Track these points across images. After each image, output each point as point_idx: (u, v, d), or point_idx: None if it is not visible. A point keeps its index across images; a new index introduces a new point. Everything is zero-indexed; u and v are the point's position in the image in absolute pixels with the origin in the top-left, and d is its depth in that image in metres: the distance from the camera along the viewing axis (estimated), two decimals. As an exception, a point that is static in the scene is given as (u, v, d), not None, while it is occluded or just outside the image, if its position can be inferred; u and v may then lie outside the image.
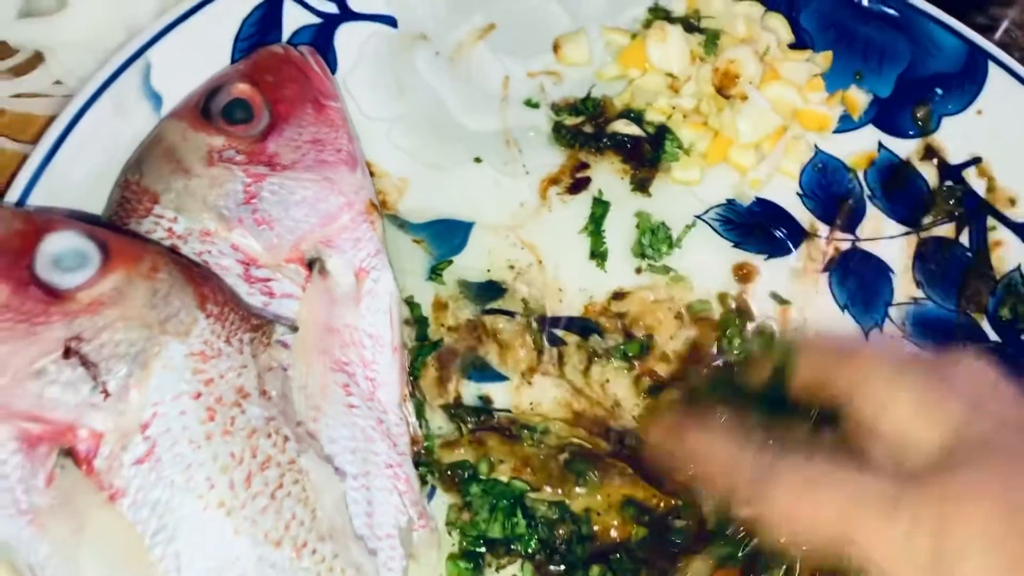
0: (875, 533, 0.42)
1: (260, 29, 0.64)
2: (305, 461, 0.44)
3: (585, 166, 0.67)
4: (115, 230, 0.51)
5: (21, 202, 0.54)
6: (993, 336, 0.64)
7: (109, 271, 0.45)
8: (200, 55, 0.61)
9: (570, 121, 0.68)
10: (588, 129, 0.68)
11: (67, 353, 0.43)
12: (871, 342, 0.62)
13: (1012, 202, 0.67)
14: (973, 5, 0.85)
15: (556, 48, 0.70)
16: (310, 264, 0.54)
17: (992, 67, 0.69)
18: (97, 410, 0.42)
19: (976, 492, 0.41)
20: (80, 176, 0.56)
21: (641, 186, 0.66)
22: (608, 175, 0.66)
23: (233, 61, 0.62)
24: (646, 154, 0.67)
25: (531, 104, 0.68)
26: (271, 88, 0.58)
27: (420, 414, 0.56)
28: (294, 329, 0.49)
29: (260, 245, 0.53)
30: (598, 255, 0.63)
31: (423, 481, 0.54)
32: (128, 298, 0.44)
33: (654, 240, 0.64)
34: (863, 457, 0.46)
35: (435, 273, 0.61)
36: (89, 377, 0.42)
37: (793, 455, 0.47)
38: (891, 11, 0.70)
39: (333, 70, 0.65)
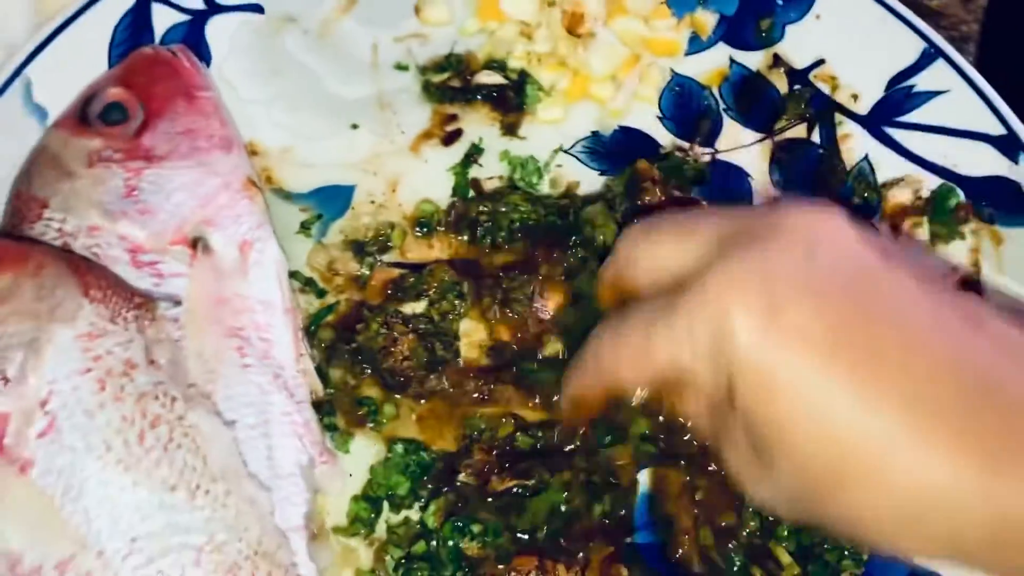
0: (668, 347, 0.44)
1: (132, 33, 0.68)
2: (193, 416, 0.50)
3: (454, 118, 0.71)
4: (9, 238, 0.56)
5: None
6: (846, 223, 0.69)
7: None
8: (78, 65, 0.66)
9: (438, 78, 0.72)
10: (456, 83, 0.72)
11: (-31, 349, 0.48)
12: None
13: (855, 97, 0.72)
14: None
15: (418, 11, 0.74)
16: (194, 243, 0.59)
17: (825, -28, 0.73)
18: (0, 395, 0.48)
19: (735, 271, 0.43)
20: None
21: (510, 130, 0.71)
22: (479, 125, 0.71)
23: (111, 67, 0.67)
24: (511, 100, 0.72)
25: (401, 67, 0.73)
26: (143, 87, 0.63)
27: (321, 372, 0.61)
28: (177, 303, 0.54)
29: (144, 233, 0.58)
30: (474, 195, 0.69)
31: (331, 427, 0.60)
32: (17, 295, 0.50)
33: (524, 173, 0.69)
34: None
35: (304, 227, 0.66)
36: (-10, 367, 0.48)
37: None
38: (725, -69, 0.74)
39: (208, 62, 0.70)
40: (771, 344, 0.41)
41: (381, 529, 0.58)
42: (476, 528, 0.54)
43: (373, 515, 0.57)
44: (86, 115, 0.61)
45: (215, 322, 0.57)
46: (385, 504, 0.58)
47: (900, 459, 0.40)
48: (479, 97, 0.72)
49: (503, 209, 0.66)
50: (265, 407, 0.56)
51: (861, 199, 0.70)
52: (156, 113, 0.62)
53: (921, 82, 0.70)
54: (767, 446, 0.43)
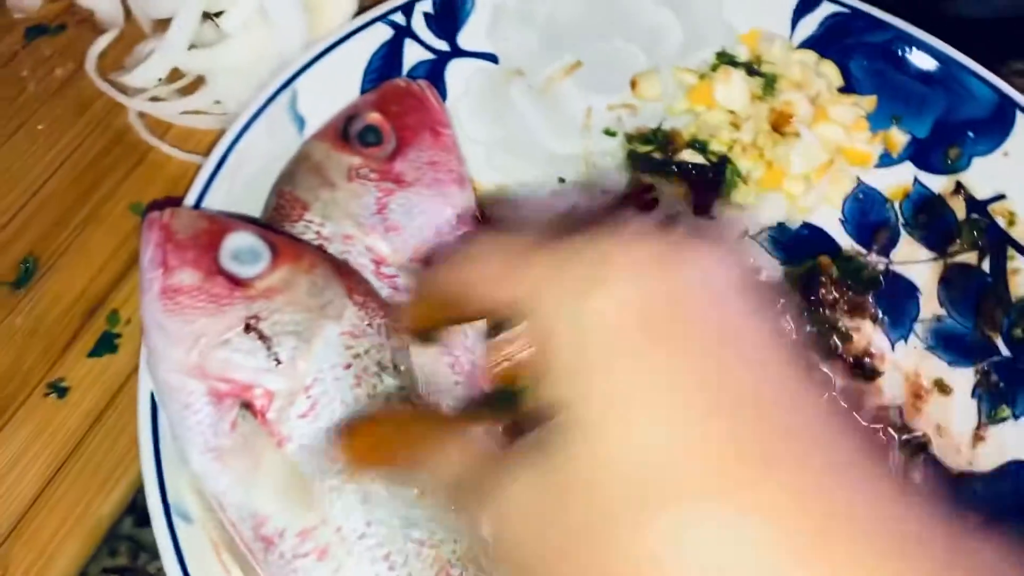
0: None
1: (385, 63, 0.76)
2: (426, 422, 0.56)
3: (651, 188, 0.77)
4: (276, 232, 0.63)
5: (196, 205, 0.66)
6: (1005, 352, 0.74)
7: (277, 266, 0.57)
8: (336, 84, 0.73)
9: (642, 149, 0.79)
10: (658, 156, 0.79)
11: (247, 328, 0.55)
12: None
13: (1030, 235, 0.76)
14: (1015, 52, 0.94)
15: (633, 85, 0.80)
16: (426, 263, 0.65)
17: (1019, 115, 0.78)
18: (271, 374, 0.54)
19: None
20: (239, 186, 0.68)
21: (702, 209, 0.77)
22: (673, 199, 0.77)
23: (363, 90, 0.74)
24: (708, 181, 0.78)
25: (609, 133, 0.79)
26: (396, 116, 0.70)
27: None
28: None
29: (388, 247, 0.64)
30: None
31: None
32: (293, 288, 0.56)
33: (710, 253, 0.75)
34: None
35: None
36: (264, 348, 0.54)
37: None
38: (932, 63, 0.79)
39: (444, 99, 0.77)
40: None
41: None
42: None
43: None
44: (347, 133, 0.68)
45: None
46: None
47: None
48: (678, 172, 0.78)
49: None
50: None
51: (1023, 332, 0.74)
52: (406, 142, 0.69)
53: (1097, 235, 0.74)
54: (561, 440, 0.39)
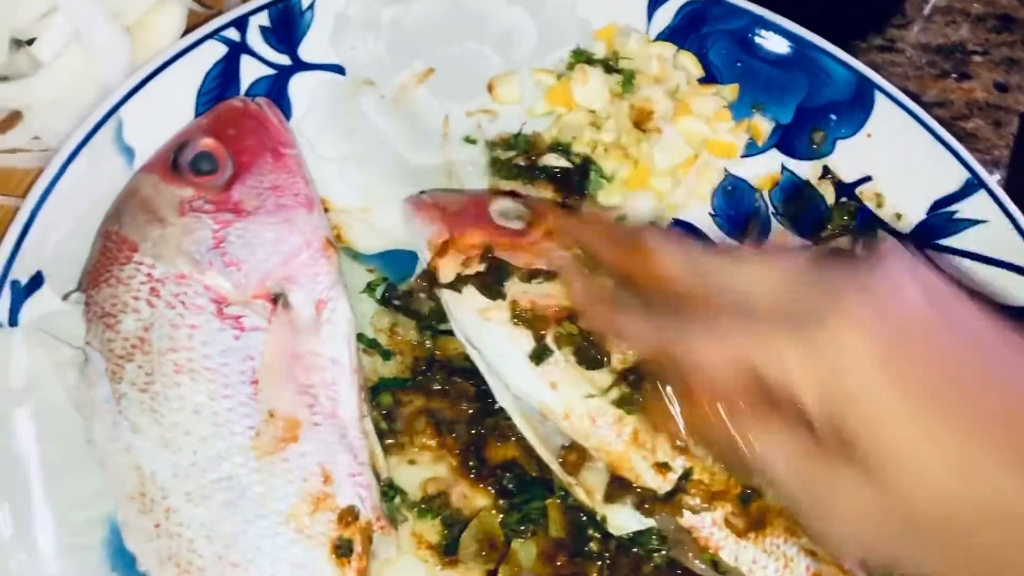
0: (775, 368, 0.47)
1: (221, 83, 0.70)
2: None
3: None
4: (97, 275, 0.58)
5: (14, 252, 0.60)
6: (882, 336, 0.73)
7: (534, 226, 0.65)
8: (167, 109, 0.68)
9: (504, 155, 0.75)
10: (521, 162, 0.75)
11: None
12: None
13: (898, 216, 0.76)
14: (872, 27, 0.94)
15: (491, 89, 0.77)
16: (275, 299, 0.61)
17: (878, 95, 0.77)
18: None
19: (854, 312, 0.47)
20: (64, 224, 0.63)
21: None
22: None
23: (197, 113, 0.69)
24: (573, 183, 0.75)
25: (469, 140, 0.76)
26: (233, 140, 0.65)
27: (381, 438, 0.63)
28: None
29: (230, 284, 0.60)
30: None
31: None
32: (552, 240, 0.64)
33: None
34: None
35: (370, 288, 0.68)
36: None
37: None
38: (788, 47, 0.78)
39: (288, 116, 0.72)
40: (889, 379, 0.45)
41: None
42: None
43: None
44: (178, 163, 0.63)
45: (289, 378, 0.59)
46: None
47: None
48: (543, 177, 0.75)
49: None
50: (334, 467, 0.58)
51: (898, 314, 0.73)
52: (245, 167, 0.64)
53: (963, 209, 0.74)
54: (877, 471, 0.45)
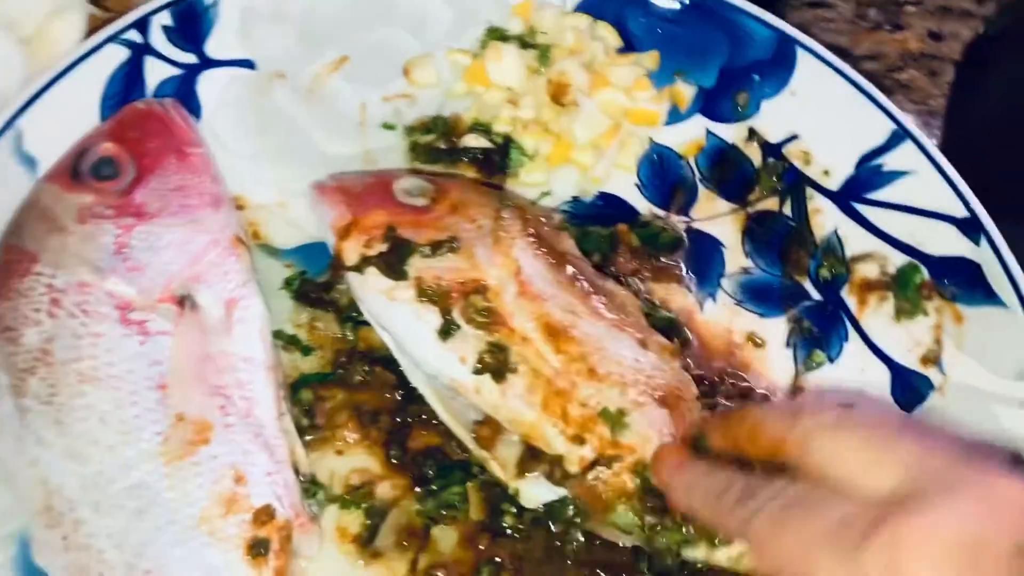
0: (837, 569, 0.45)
1: (125, 86, 0.69)
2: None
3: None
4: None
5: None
6: (815, 295, 0.72)
7: (438, 202, 0.63)
8: (70, 117, 0.67)
9: (424, 139, 0.74)
10: (442, 145, 0.74)
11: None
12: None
13: (826, 173, 0.75)
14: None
15: (407, 72, 0.76)
16: (181, 301, 0.60)
17: (800, 52, 0.76)
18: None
19: (927, 531, 0.44)
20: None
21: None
22: (463, 186, 0.73)
23: (102, 119, 0.68)
24: (496, 163, 0.74)
25: (388, 127, 0.74)
26: (135, 143, 0.64)
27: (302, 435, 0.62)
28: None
29: (134, 290, 0.59)
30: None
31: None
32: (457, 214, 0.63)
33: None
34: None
35: (288, 283, 0.67)
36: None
37: (767, 491, 0.51)
38: (707, 9, 0.77)
39: (198, 116, 0.71)
40: None
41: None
42: None
43: None
44: (78, 170, 0.62)
45: (199, 380, 0.58)
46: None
47: None
48: (464, 159, 0.74)
49: None
50: (247, 467, 0.57)
51: (829, 272, 0.72)
52: (148, 169, 0.63)
53: (889, 161, 0.73)
54: None
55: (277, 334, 0.65)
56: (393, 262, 0.62)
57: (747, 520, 0.50)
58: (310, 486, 0.60)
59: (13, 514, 0.56)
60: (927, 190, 0.72)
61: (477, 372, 0.60)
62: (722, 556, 0.59)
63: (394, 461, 0.62)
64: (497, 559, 0.59)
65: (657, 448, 0.60)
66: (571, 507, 0.59)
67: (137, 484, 0.55)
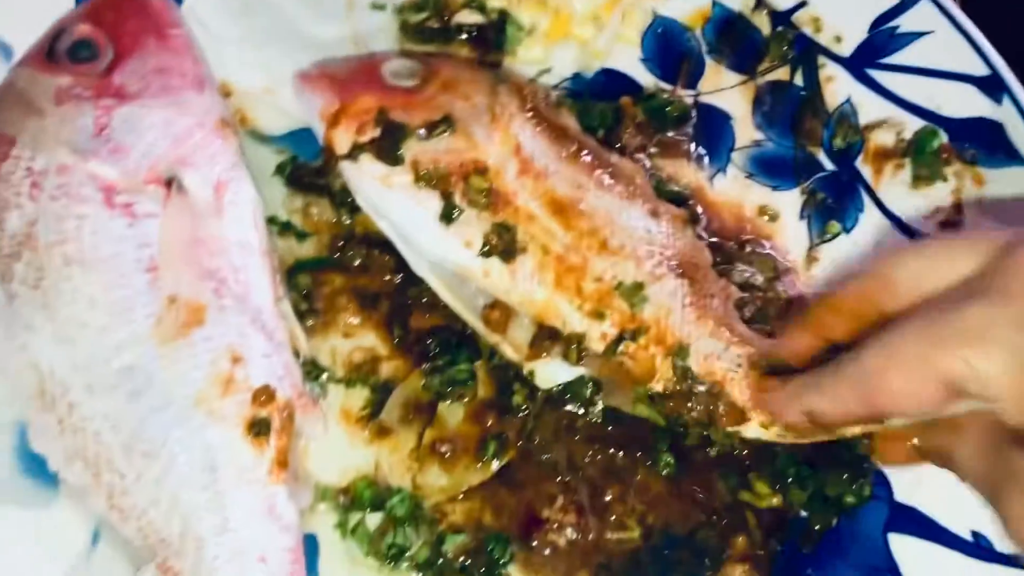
0: (961, 365, 0.43)
1: (101, -32, 0.66)
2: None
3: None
4: None
5: None
6: (829, 166, 0.69)
7: (429, 82, 0.61)
8: (44, 1, 0.64)
9: (415, 18, 0.71)
10: (434, 24, 0.71)
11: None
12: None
13: (838, 39, 0.71)
14: None
15: (395, -51, 0.72)
16: (168, 183, 0.57)
17: (807, -89, 0.72)
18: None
19: None
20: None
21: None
22: (458, 66, 0.70)
23: (77, 3, 0.65)
24: (491, 41, 0.70)
25: (377, 6, 0.71)
26: (113, 25, 0.61)
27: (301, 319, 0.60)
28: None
29: (117, 172, 0.57)
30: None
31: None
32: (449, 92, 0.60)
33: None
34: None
35: (279, 170, 0.65)
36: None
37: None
38: None
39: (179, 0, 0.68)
40: None
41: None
42: None
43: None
44: (54, 52, 0.59)
45: (191, 263, 0.56)
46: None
47: None
48: (458, 38, 0.70)
49: None
50: (244, 348, 0.55)
51: (843, 141, 0.69)
52: (126, 51, 0.60)
53: (905, 23, 0.69)
54: None
55: (271, 220, 0.62)
56: (387, 147, 0.59)
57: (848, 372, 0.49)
58: (312, 369, 0.58)
59: (8, 402, 0.54)
60: (945, 50, 0.68)
61: (484, 255, 0.58)
62: (751, 430, 0.58)
63: (397, 341, 0.60)
64: (504, 436, 0.57)
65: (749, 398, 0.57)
66: (589, 386, 0.57)
67: (130, 366, 0.53)
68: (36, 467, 0.54)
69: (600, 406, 0.59)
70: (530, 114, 0.62)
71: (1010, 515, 0.46)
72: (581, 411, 0.58)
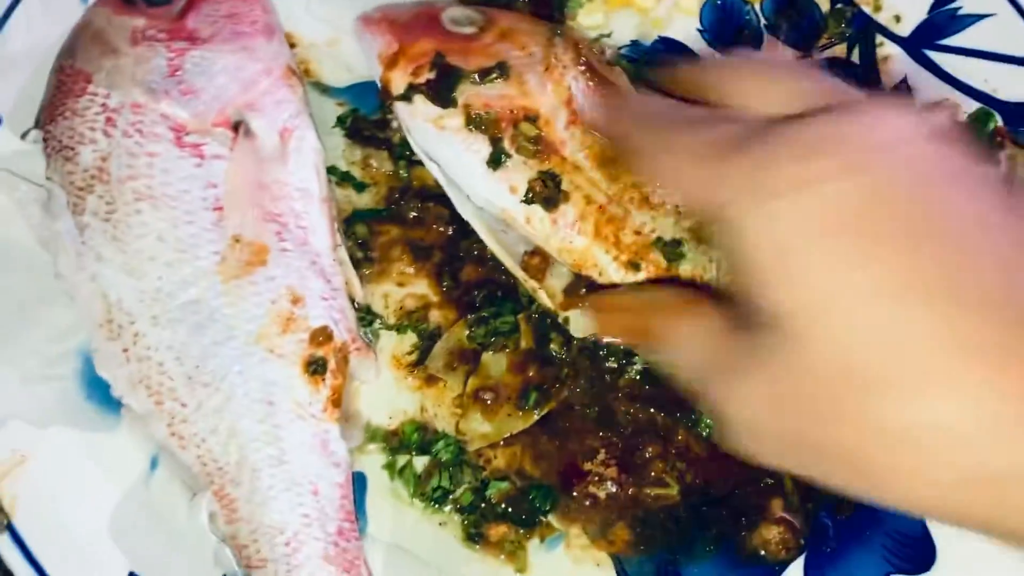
0: (724, 183, 0.43)
1: (176, -84, 0.67)
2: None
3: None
4: (52, 109, 0.56)
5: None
6: (881, 144, 0.69)
7: (487, 30, 0.61)
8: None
9: (479, -20, 0.72)
10: (496, -16, 0.72)
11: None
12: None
13: (897, 19, 0.71)
14: None
15: (462, -88, 0.73)
16: (236, 127, 0.59)
17: None
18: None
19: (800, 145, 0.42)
20: (19, 66, 0.61)
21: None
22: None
23: (151, -51, 0.66)
24: (551, 3, 0.71)
25: (441, -36, 0.72)
26: (186, -31, 0.62)
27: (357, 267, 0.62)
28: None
29: (187, 113, 0.58)
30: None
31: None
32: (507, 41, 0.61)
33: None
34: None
35: (340, 121, 0.66)
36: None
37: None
38: None
39: (250, -51, 0.69)
40: (817, 215, 0.40)
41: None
42: None
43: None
44: (129, -6, 0.61)
45: (255, 205, 0.58)
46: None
47: (935, 367, 0.37)
48: (519, 1, 0.71)
49: None
50: (304, 290, 0.57)
51: (897, 121, 0.69)
52: (199, -5, 0.62)
53: (966, 4, 0.69)
54: (783, 341, 0.40)
55: (331, 170, 0.64)
56: (441, 89, 0.60)
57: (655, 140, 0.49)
58: (365, 315, 0.60)
59: (77, 330, 0.56)
60: (1005, 33, 0.68)
61: (527, 201, 0.59)
62: None
63: (446, 291, 0.61)
64: (545, 386, 0.59)
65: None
66: None
67: (195, 300, 0.55)
68: (100, 393, 0.56)
69: (639, 365, 0.60)
70: (584, 68, 0.63)
71: (719, 407, 0.45)
72: (618, 366, 0.59)
